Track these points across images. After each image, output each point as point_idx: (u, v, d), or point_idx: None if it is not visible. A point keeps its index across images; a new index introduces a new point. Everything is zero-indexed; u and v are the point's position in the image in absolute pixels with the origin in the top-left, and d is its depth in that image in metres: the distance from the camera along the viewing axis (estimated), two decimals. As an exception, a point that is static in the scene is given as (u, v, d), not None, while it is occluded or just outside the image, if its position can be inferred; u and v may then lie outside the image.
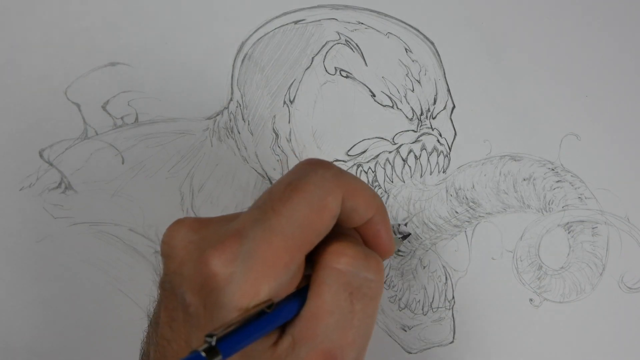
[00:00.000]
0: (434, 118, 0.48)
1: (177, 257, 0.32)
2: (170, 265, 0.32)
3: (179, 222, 0.33)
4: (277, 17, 0.49)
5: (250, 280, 0.29)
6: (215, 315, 0.30)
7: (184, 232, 0.32)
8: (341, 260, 0.31)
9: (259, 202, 0.32)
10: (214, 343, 0.27)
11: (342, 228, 0.33)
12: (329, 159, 0.49)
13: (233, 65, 0.49)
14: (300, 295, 0.32)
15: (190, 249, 0.31)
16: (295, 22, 0.49)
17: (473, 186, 0.48)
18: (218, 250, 0.30)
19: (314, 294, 0.31)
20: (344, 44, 0.49)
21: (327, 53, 0.49)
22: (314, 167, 0.32)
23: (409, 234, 0.48)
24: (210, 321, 0.30)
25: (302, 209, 0.30)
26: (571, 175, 0.48)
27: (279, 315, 0.31)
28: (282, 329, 0.32)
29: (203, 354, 0.27)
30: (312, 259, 0.33)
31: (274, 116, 0.49)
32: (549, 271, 0.48)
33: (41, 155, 0.49)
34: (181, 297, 0.31)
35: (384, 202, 0.48)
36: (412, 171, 0.48)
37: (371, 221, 0.34)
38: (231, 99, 0.49)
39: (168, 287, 0.32)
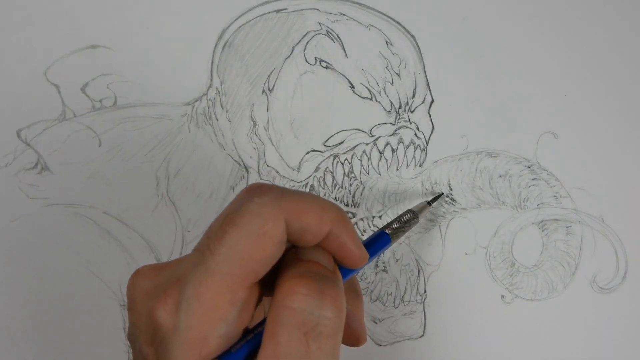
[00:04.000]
0: (412, 112, 0.48)
1: (135, 309, 0.32)
2: (131, 317, 0.32)
3: (136, 273, 0.33)
4: (259, 5, 0.49)
5: (195, 328, 0.29)
6: None
7: (142, 282, 0.32)
8: (294, 299, 0.30)
9: (199, 243, 0.31)
10: None
11: (301, 250, 0.32)
12: (306, 148, 0.49)
13: (213, 52, 0.49)
14: (256, 337, 0.31)
15: (145, 300, 0.31)
16: (277, 11, 0.49)
17: (449, 181, 0.48)
18: (161, 301, 0.30)
19: (268, 335, 0.30)
20: (325, 35, 0.49)
21: (307, 43, 0.49)
22: (250, 195, 0.31)
23: (441, 194, 0.47)
24: None
25: (239, 243, 0.29)
26: (547, 174, 0.48)
27: (239, 355, 0.30)
28: None
29: None
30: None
31: (252, 104, 0.49)
32: (522, 268, 0.48)
33: (18, 135, 0.49)
34: (139, 349, 0.31)
35: (361, 194, 0.48)
36: (389, 164, 0.48)
37: (331, 235, 0.32)
38: (210, 86, 0.49)
39: (132, 339, 0.32)
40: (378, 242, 0.38)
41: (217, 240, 0.30)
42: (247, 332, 0.31)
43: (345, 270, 0.34)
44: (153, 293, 0.31)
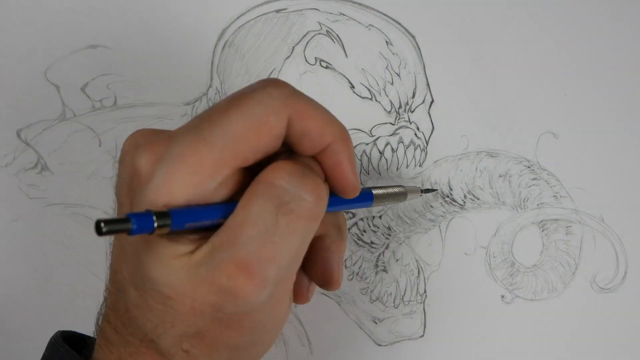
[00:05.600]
0: (412, 112, 0.48)
1: (123, 161, 0.32)
2: (119, 168, 0.33)
3: (135, 131, 0.33)
4: (259, 5, 0.49)
5: (168, 182, 0.29)
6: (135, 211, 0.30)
7: (136, 138, 0.32)
8: (275, 174, 0.30)
9: (201, 112, 0.31)
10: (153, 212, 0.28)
11: (299, 155, 0.32)
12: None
13: (213, 52, 0.49)
14: (228, 207, 0.31)
15: (133, 151, 0.31)
16: (277, 11, 0.49)
17: (449, 181, 0.48)
18: (147, 149, 0.30)
19: (241, 205, 0.30)
20: (325, 35, 0.49)
21: (307, 43, 0.49)
22: (263, 85, 0.31)
23: (435, 190, 0.48)
24: None
25: (238, 122, 0.30)
26: (547, 174, 0.48)
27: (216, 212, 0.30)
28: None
29: (154, 216, 0.28)
30: None
31: (253, 104, 0.49)
32: (522, 268, 0.48)
33: (18, 135, 0.49)
34: (119, 197, 0.32)
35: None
36: (389, 164, 0.48)
37: (330, 149, 0.32)
38: (210, 86, 0.49)
39: (116, 193, 0.33)
40: (361, 195, 0.37)
41: (218, 114, 0.30)
42: None
43: (334, 200, 0.34)
44: (142, 145, 0.31)
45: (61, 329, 0.38)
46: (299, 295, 0.36)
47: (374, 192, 0.40)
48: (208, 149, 0.29)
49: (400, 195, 0.43)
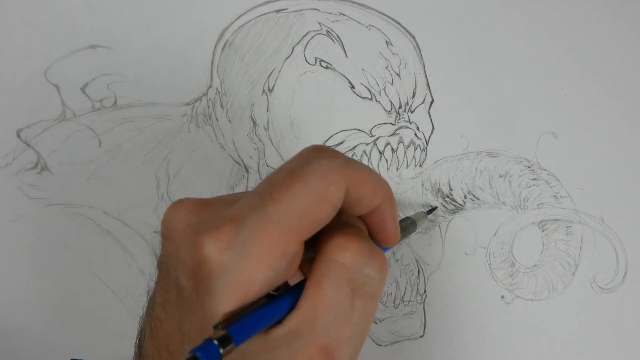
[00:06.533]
0: (412, 112, 0.48)
1: (174, 239, 0.32)
2: (168, 247, 0.32)
3: (179, 203, 0.33)
4: (259, 5, 0.49)
5: (244, 271, 0.29)
6: (207, 301, 0.30)
7: (184, 213, 0.32)
8: (346, 255, 0.31)
9: (259, 188, 0.31)
10: (220, 328, 0.28)
11: (345, 216, 0.33)
12: (306, 149, 0.48)
13: (213, 52, 0.49)
14: (299, 287, 0.31)
15: (188, 232, 0.31)
16: (277, 11, 0.49)
17: (449, 181, 0.48)
18: (213, 236, 0.30)
19: (314, 287, 0.30)
20: (325, 35, 0.49)
21: (307, 43, 0.49)
22: (318, 155, 0.31)
23: (436, 207, 0.48)
24: (201, 307, 0.30)
25: (302, 198, 0.30)
26: (547, 174, 0.48)
27: (281, 305, 0.30)
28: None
29: (216, 342, 0.27)
30: (313, 245, 0.32)
31: (253, 104, 0.49)
32: (522, 268, 0.48)
33: (18, 135, 0.49)
34: (175, 279, 0.31)
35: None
36: (389, 164, 0.48)
37: (377, 209, 0.33)
38: (210, 86, 0.49)
39: (165, 269, 0.32)
40: None
41: (280, 191, 0.30)
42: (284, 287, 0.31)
43: None
44: (198, 227, 0.31)
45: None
46: None
47: None
48: (277, 228, 0.29)
49: (412, 226, 0.44)
